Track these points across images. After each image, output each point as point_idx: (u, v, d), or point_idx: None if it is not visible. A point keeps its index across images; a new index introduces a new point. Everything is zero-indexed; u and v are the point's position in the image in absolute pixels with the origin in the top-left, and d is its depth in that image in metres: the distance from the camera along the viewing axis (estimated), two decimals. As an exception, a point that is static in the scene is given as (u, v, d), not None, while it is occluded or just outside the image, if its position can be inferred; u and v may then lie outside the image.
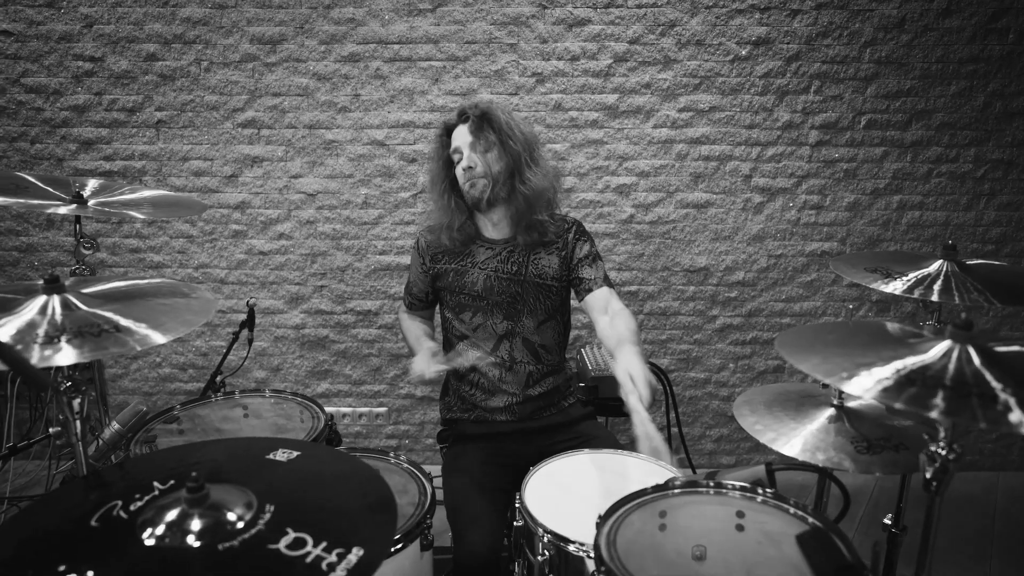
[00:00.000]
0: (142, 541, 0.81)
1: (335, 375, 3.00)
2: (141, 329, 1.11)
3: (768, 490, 1.31)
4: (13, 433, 2.80)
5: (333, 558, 0.78)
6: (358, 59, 2.72)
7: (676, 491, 1.33)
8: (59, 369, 1.16)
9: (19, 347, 1.02)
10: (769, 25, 2.69)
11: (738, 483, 1.33)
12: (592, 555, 1.20)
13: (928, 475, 1.01)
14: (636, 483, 1.35)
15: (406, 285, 2.02)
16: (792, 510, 1.27)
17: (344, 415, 3.01)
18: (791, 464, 1.29)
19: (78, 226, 1.83)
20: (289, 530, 0.82)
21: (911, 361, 0.98)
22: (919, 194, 2.83)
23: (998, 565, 2.41)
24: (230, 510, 0.85)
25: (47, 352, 1.02)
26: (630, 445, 2.96)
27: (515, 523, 1.46)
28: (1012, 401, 0.88)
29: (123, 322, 1.12)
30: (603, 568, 1.13)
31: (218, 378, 2.06)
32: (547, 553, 1.36)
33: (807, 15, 2.68)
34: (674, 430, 2.85)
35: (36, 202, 1.71)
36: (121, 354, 1.62)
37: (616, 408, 2.33)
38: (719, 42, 2.70)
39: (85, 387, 1.19)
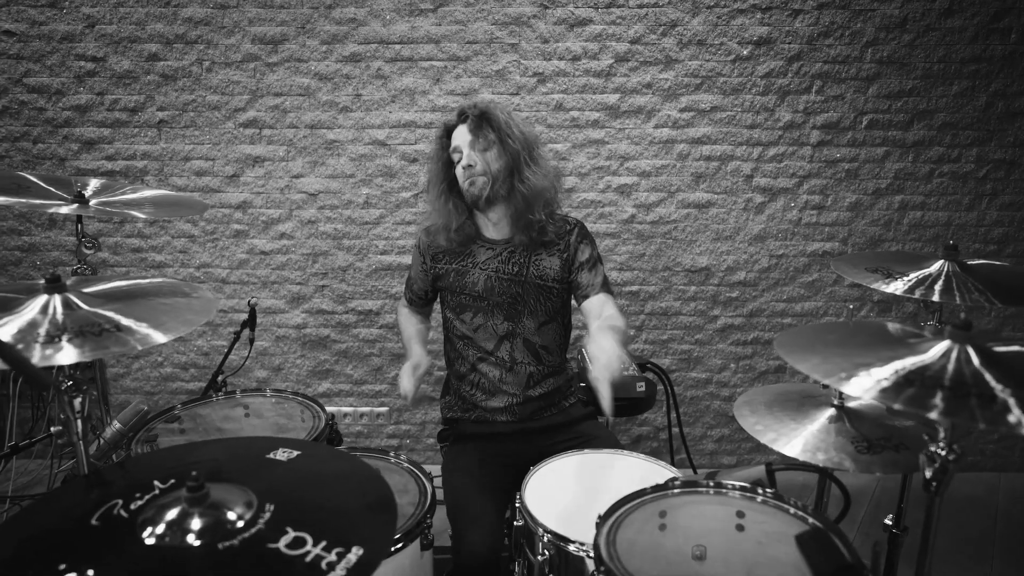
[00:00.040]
0: (142, 540, 0.81)
1: (336, 375, 3.00)
2: (142, 328, 1.11)
3: (768, 490, 1.31)
4: (15, 432, 2.81)
5: (333, 557, 0.78)
6: (359, 59, 2.73)
7: (676, 491, 1.33)
8: (60, 368, 1.16)
9: (20, 346, 1.02)
10: (771, 25, 2.69)
11: (738, 483, 1.33)
12: (592, 555, 1.20)
13: (928, 475, 1.01)
14: (636, 483, 1.35)
15: (407, 280, 2.02)
16: (792, 510, 1.27)
17: (345, 415, 3.01)
18: (791, 464, 1.29)
19: (80, 226, 1.84)
20: (289, 529, 0.82)
21: (910, 361, 0.98)
22: (921, 194, 2.83)
23: (999, 566, 2.40)
24: (230, 509, 0.85)
25: (48, 351, 1.02)
26: (631, 445, 2.95)
27: (515, 523, 1.46)
28: (1011, 401, 0.88)
29: (124, 321, 1.12)
30: (603, 568, 1.13)
31: (219, 377, 2.06)
32: (547, 553, 1.36)
33: (809, 15, 2.68)
34: (675, 430, 2.85)
35: (38, 202, 1.71)
36: (122, 353, 1.62)
37: (617, 408, 2.33)
38: (720, 42, 2.70)
39: (86, 386, 1.20)
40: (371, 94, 2.75)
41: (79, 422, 1.20)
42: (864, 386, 0.94)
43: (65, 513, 0.89)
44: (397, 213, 2.86)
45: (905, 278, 1.53)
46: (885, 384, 0.93)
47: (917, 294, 1.47)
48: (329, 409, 1.88)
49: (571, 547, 1.33)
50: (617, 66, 2.72)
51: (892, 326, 1.14)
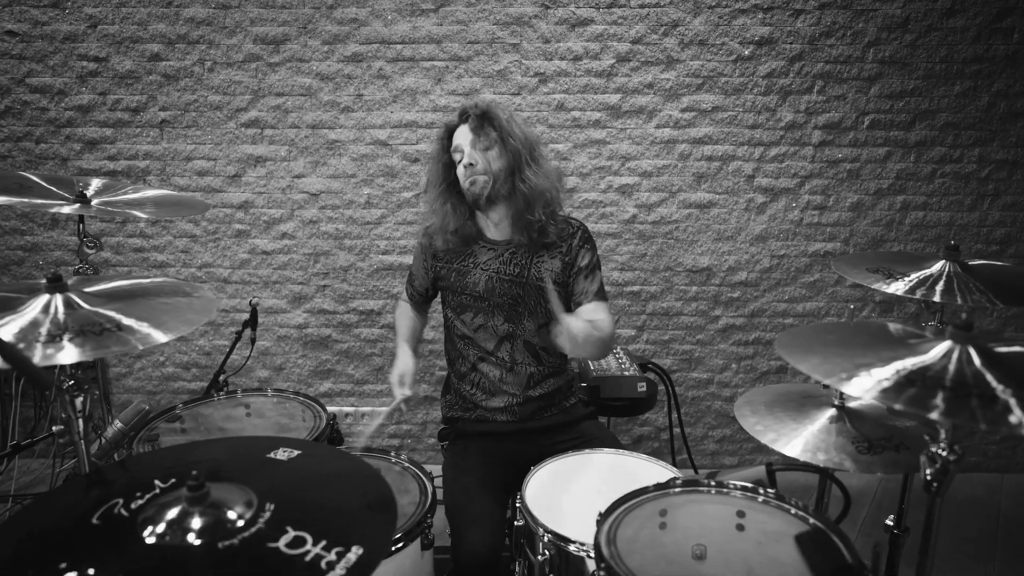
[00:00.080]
0: (143, 539, 0.82)
1: (338, 374, 3.00)
2: (143, 328, 1.11)
3: (769, 490, 1.31)
4: (18, 431, 2.82)
5: (332, 556, 0.78)
6: (361, 59, 2.73)
7: (677, 490, 1.33)
8: (62, 368, 1.16)
9: (21, 345, 1.02)
10: (772, 25, 2.68)
11: (739, 483, 1.33)
12: (592, 555, 1.20)
13: (928, 476, 1.01)
14: (637, 483, 1.35)
15: (408, 276, 2.02)
16: (793, 510, 1.27)
17: (347, 414, 3.02)
18: (792, 465, 1.29)
19: (81, 226, 1.84)
20: (289, 528, 0.82)
21: (911, 362, 0.98)
22: (923, 194, 2.82)
23: (1001, 567, 2.40)
24: (230, 508, 0.85)
25: (49, 351, 1.02)
26: (632, 446, 2.95)
27: (516, 523, 1.46)
28: (1012, 402, 0.88)
29: (125, 321, 1.12)
30: (603, 565, 1.13)
31: (221, 377, 2.06)
32: (547, 553, 1.37)
33: (810, 15, 2.67)
34: (676, 431, 2.85)
35: (40, 202, 1.72)
36: (123, 353, 1.62)
37: (618, 408, 2.33)
38: (722, 42, 2.70)
39: (88, 386, 1.20)
40: (372, 94, 2.76)
41: (80, 421, 1.21)
42: (865, 386, 0.93)
43: (66, 512, 0.89)
44: (399, 213, 2.86)
45: (906, 279, 1.53)
46: (886, 384, 0.93)
47: (918, 295, 1.47)
48: (330, 409, 1.89)
49: (571, 547, 1.33)
50: (618, 66, 2.72)
51: (893, 326, 1.14)
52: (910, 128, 2.76)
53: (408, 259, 2.86)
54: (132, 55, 2.73)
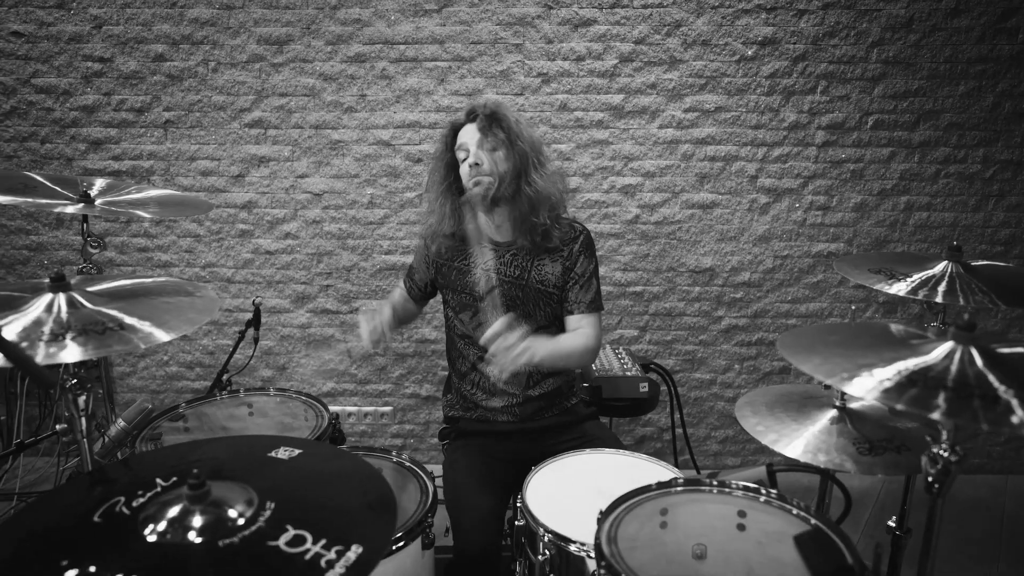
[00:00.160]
0: (144, 537, 0.82)
1: (340, 374, 3.01)
2: (145, 327, 1.12)
3: (771, 490, 1.31)
4: (23, 430, 2.83)
5: (332, 555, 0.78)
6: (364, 59, 2.73)
7: (678, 489, 1.33)
8: (65, 367, 1.17)
9: (24, 344, 1.03)
10: (775, 25, 2.68)
11: (740, 482, 1.33)
12: (593, 554, 1.20)
13: (930, 477, 1.01)
14: (638, 483, 1.35)
15: (408, 269, 2.01)
16: (794, 511, 1.27)
17: (349, 414, 3.02)
18: (792, 465, 1.28)
19: (85, 225, 1.85)
20: (289, 527, 0.83)
21: (913, 362, 0.98)
22: (927, 195, 2.81)
23: (1005, 569, 2.39)
24: (231, 507, 0.86)
25: (52, 349, 1.03)
26: (634, 446, 2.95)
27: (516, 522, 1.46)
28: (1014, 403, 0.87)
29: (127, 320, 1.13)
30: (603, 564, 1.13)
31: (224, 376, 2.07)
32: (548, 553, 1.37)
33: (814, 15, 2.67)
34: (679, 431, 2.85)
35: (44, 201, 1.72)
36: (125, 352, 1.63)
37: (620, 409, 2.33)
38: (725, 42, 2.70)
39: (91, 384, 1.20)
40: (376, 94, 2.76)
41: (83, 420, 1.21)
42: (867, 387, 0.93)
43: (68, 510, 0.90)
44: (401, 213, 2.86)
45: (908, 279, 1.52)
46: (888, 385, 0.93)
47: (920, 295, 1.46)
48: (333, 408, 1.89)
49: (572, 547, 1.33)
50: (621, 66, 2.72)
51: (895, 327, 1.14)
52: (914, 128, 2.76)
53: (410, 259, 2.86)
54: (137, 55, 2.74)
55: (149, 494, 0.89)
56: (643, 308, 2.92)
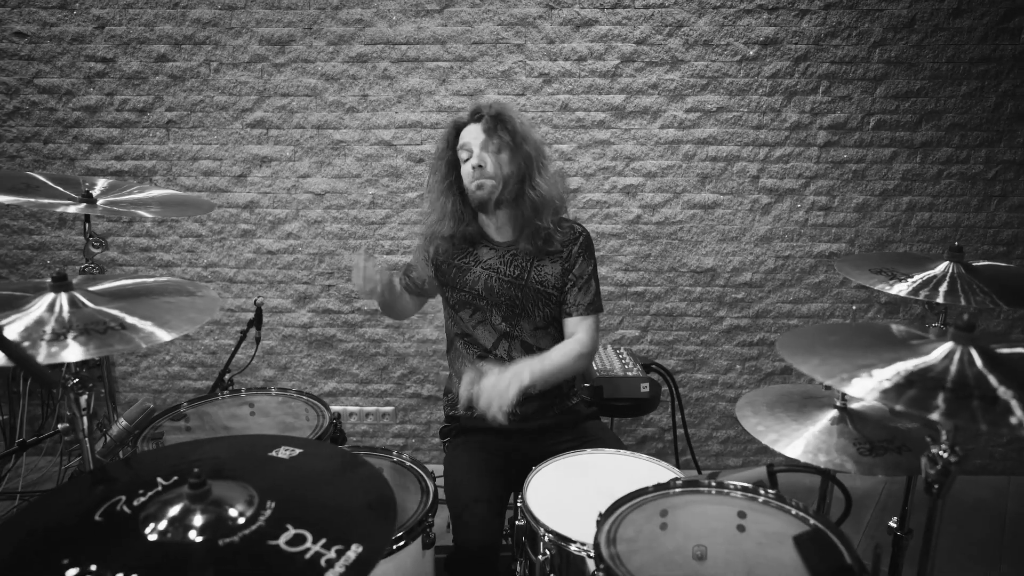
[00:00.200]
0: (145, 536, 0.82)
1: (342, 374, 3.01)
2: (146, 327, 1.12)
3: (770, 491, 1.31)
4: (26, 429, 2.84)
5: (332, 554, 0.78)
6: (366, 60, 2.74)
7: (678, 490, 1.33)
8: (67, 366, 1.17)
9: (26, 343, 1.03)
10: (777, 25, 2.68)
11: (740, 483, 1.33)
12: (592, 554, 1.20)
13: (930, 478, 1.01)
14: (638, 483, 1.35)
15: (406, 267, 1.98)
16: (794, 511, 1.27)
17: (351, 414, 3.03)
18: (792, 466, 1.28)
19: (87, 225, 1.85)
20: (289, 526, 0.83)
21: (912, 363, 0.98)
22: (929, 195, 2.81)
23: (1007, 570, 2.38)
24: (232, 506, 0.86)
25: (54, 349, 1.03)
26: (635, 446, 2.95)
27: (517, 522, 1.46)
28: (1013, 403, 0.87)
29: (129, 319, 1.13)
30: (602, 566, 1.13)
31: (226, 376, 2.07)
32: (548, 552, 1.37)
33: (815, 15, 2.67)
34: (680, 431, 2.85)
35: (46, 201, 1.73)
36: (127, 351, 1.63)
37: (621, 409, 2.33)
38: (727, 42, 2.69)
39: (93, 384, 1.21)
40: (377, 94, 2.77)
41: (85, 419, 1.21)
42: (866, 387, 0.93)
43: (69, 509, 0.90)
44: (403, 213, 2.87)
45: (909, 280, 1.52)
46: (887, 385, 0.93)
47: (921, 296, 1.46)
48: (335, 408, 1.89)
49: (572, 547, 1.33)
50: (623, 67, 2.72)
51: (895, 327, 1.14)
52: (916, 128, 2.75)
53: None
54: (139, 56, 2.75)
55: (150, 493, 0.90)
56: (644, 308, 2.92)
